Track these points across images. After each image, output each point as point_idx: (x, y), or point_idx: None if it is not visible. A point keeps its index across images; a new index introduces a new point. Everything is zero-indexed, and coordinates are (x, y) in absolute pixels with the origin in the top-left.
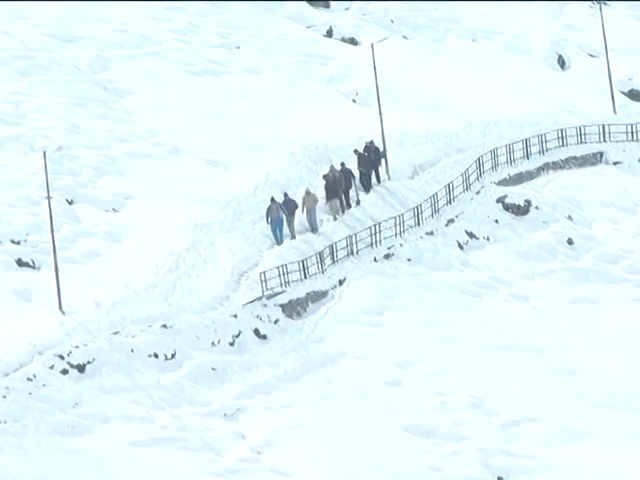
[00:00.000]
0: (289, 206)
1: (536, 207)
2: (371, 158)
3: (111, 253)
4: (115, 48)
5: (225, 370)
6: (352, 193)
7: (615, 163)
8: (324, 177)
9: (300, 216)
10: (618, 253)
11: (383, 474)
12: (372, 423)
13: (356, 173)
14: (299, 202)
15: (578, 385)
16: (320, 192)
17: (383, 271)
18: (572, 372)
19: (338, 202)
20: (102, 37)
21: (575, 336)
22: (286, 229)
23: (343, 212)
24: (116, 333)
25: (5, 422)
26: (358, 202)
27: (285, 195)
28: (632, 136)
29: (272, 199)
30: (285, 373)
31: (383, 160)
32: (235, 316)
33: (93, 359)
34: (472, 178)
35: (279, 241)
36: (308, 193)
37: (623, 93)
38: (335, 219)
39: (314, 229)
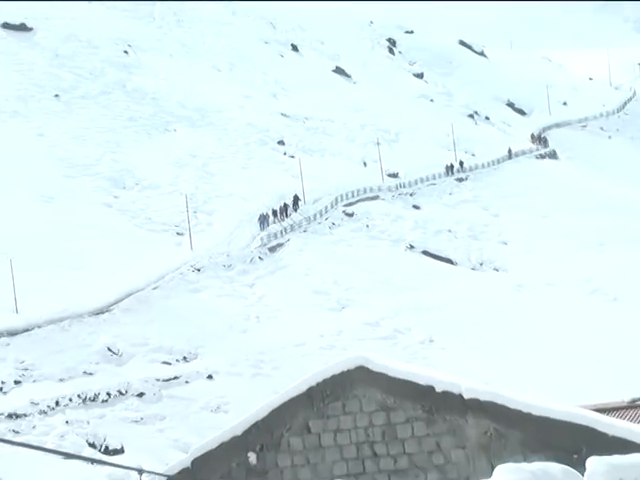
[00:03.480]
0: (262, 217)
1: (355, 214)
2: (296, 201)
3: (210, 228)
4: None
5: (248, 270)
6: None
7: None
8: (274, 209)
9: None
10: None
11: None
12: (300, 288)
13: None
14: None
15: (355, 267)
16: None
17: (304, 237)
18: (351, 261)
19: (276, 218)
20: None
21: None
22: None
23: (282, 220)
24: (210, 258)
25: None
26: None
27: (266, 213)
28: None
29: (260, 214)
30: (270, 271)
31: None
32: (252, 251)
33: (203, 267)
34: (335, 204)
35: (262, 229)
36: (267, 214)
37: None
38: (275, 222)
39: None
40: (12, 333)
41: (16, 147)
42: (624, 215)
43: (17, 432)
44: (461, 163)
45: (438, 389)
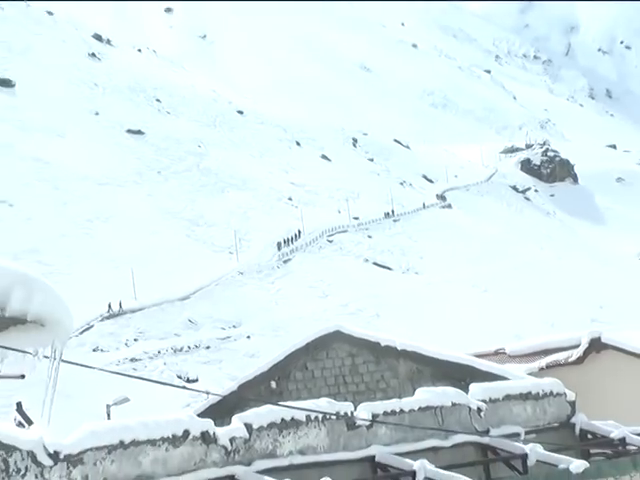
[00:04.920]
0: (279, 243)
1: (334, 241)
2: (299, 234)
3: (249, 250)
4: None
5: (270, 274)
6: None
7: (350, 232)
8: (285, 238)
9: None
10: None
11: None
12: (301, 285)
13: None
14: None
15: (334, 272)
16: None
17: (304, 255)
18: (331, 268)
19: (286, 244)
20: (239, 221)
21: None
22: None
23: (290, 245)
24: (249, 267)
25: None
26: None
27: (280, 241)
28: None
29: (277, 242)
30: (284, 274)
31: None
32: (273, 263)
33: (244, 272)
34: (322, 235)
35: (279, 250)
36: (281, 241)
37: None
38: (286, 247)
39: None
40: (133, 311)
41: (134, 203)
42: (492, 242)
43: (135, 369)
44: (392, 211)
45: (382, 344)
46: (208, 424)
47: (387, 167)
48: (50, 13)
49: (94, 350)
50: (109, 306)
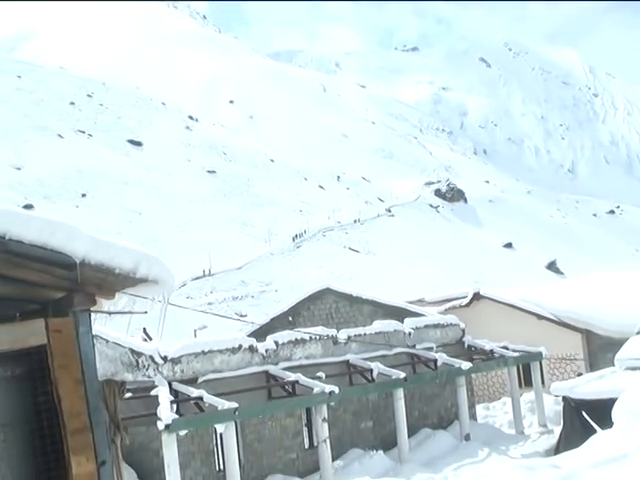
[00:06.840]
0: (293, 237)
1: (324, 235)
2: (304, 232)
3: (276, 242)
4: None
5: (289, 254)
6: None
7: (335, 230)
8: (296, 234)
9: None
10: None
11: None
12: (307, 261)
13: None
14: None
15: (326, 254)
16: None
17: (309, 244)
18: (325, 251)
19: (297, 238)
20: (271, 224)
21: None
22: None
23: (300, 238)
24: (276, 250)
25: None
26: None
27: (293, 236)
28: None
29: (292, 236)
30: (297, 254)
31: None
32: (290, 247)
33: (273, 253)
34: (318, 232)
35: (293, 241)
36: (294, 236)
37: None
38: (297, 239)
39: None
40: (211, 275)
41: (210, 213)
42: (417, 237)
43: (210, 309)
44: (359, 219)
45: (354, 295)
46: (252, 341)
47: (357, 192)
48: (163, 104)
49: (187, 297)
50: (203, 271)
